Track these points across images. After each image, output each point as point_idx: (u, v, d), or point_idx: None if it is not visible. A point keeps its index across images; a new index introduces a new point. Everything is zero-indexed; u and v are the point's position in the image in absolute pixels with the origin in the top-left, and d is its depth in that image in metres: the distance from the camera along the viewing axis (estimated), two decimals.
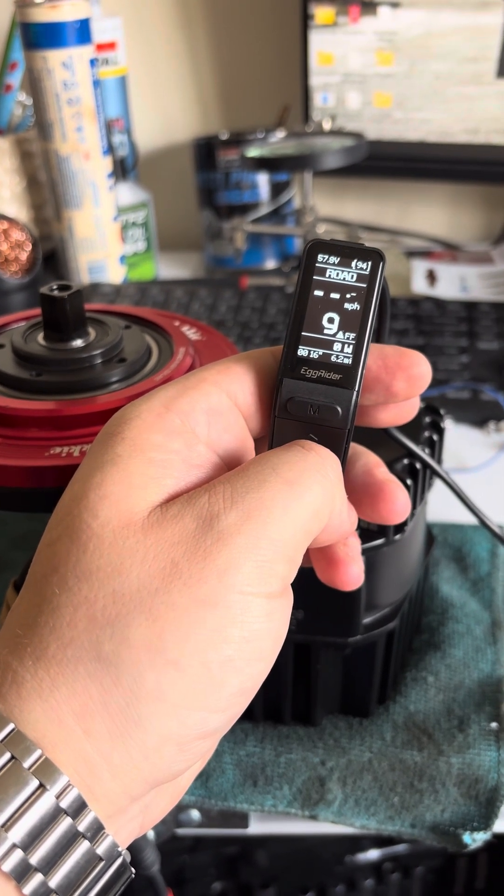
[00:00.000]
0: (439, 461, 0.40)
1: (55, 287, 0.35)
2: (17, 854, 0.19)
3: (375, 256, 0.25)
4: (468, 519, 0.54)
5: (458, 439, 0.63)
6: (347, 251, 0.25)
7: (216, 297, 0.78)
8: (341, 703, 0.42)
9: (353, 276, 0.25)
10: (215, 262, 0.97)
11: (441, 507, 0.53)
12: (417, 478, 0.35)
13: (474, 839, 0.37)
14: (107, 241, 0.85)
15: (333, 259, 0.26)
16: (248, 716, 0.42)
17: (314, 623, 0.37)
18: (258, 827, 0.41)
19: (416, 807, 0.38)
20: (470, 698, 0.42)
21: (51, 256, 0.87)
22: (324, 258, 0.26)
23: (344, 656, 0.39)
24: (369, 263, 0.25)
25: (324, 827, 0.40)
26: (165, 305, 0.78)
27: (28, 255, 0.79)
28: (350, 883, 0.64)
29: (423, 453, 0.34)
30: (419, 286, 0.84)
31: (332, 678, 0.40)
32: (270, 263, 0.96)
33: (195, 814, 0.42)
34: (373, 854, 0.64)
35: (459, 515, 0.54)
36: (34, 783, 0.20)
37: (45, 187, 0.86)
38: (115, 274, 0.87)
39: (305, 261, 0.26)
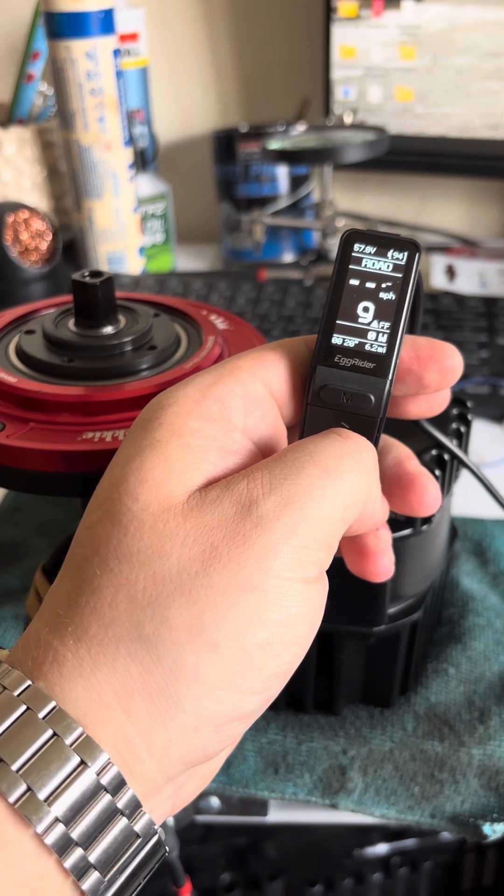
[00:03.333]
0: (466, 453, 0.40)
1: (87, 273, 0.35)
2: (60, 828, 0.19)
3: (412, 247, 0.26)
4: (489, 513, 0.54)
5: (477, 434, 0.63)
6: (384, 241, 0.26)
7: (235, 289, 0.78)
8: (363, 693, 0.42)
9: (389, 266, 0.26)
10: (233, 255, 0.97)
11: (461, 500, 0.53)
12: (445, 469, 0.35)
13: (494, 830, 0.37)
14: (126, 231, 0.85)
15: (370, 249, 0.26)
16: (271, 704, 0.42)
17: (339, 612, 0.37)
18: (276, 815, 0.42)
19: (437, 797, 0.38)
20: (491, 690, 0.42)
21: (70, 246, 0.88)
22: (360, 248, 0.26)
23: (367, 646, 0.40)
24: (405, 254, 0.26)
25: (341, 816, 0.40)
26: (184, 297, 0.78)
27: (48, 244, 0.79)
28: (358, 877, 0.64)
29: (453, 445, 0.34)
30: (438, 281, 0.84)
31: (355, 668, 0.40)
32: (288, 256, 0.96)
33: (215, 801, 0.42)
34: (381, 848, 0.64)
35: (480, 509, 0.54)
36: (76, 759, 0.20)
37: (66, 177, 0.86)
38: (133, 265, 0.87)
39: (342, 250, 0.26)
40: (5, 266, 0.76)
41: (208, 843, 0.63)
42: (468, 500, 0.53)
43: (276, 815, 0.42)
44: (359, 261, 0.26)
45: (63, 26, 0.74)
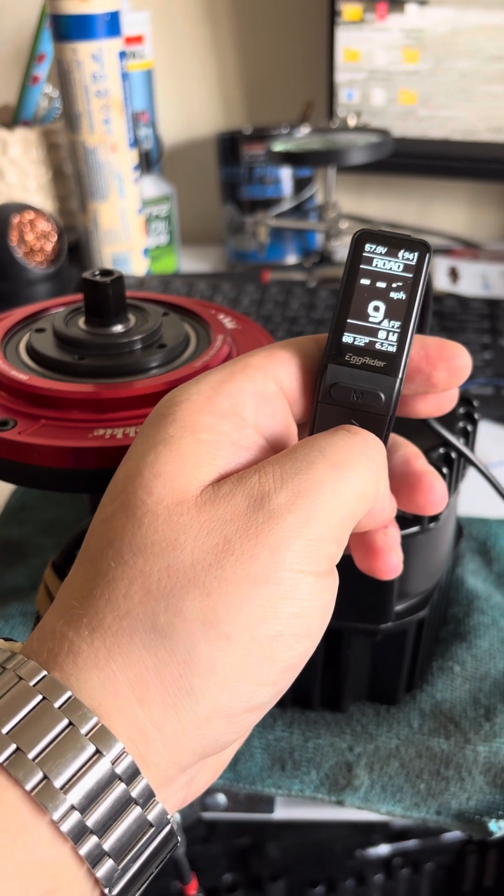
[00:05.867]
0: (472, 452, 0.40)
1: (97, 272, 0.35)
2: (75, 816, 0.20)
3: (422, 247, 0.26)
4: (493, 512, 0.54)
5: (481, 435, 0.63)
6: (395, 241, 0.26)
7: (238, 290, 0.79)
8: (369, 690, 0.42)
9: (399, 266, 0.26)
10: (236, 257, 0.98)
11: (466, 500, 0.53)
12: (452, 467, 0.36)
13: (500, 827, 0.37)
14: (131, 233, 0.85)
15: (381, 249, 0.26)
16: (277, 701, 0.42)
17: (346, 609, 0.37)
18: (282, 812, 0.42)
19: (442, 794, 0.38)
20: (496, 688, 0.42)
21: (75, 247, 0.88)
22: (371, 248, 0.26)
23: (374, 643, 0.40)
24: (416, 254, 0.26)
25: (346, 814, 0.40)
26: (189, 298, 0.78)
27: (53, 245, 0.79)
28: (360, 877, 0.64)
29: (461, 444, 0.34)
30: (441, 283, 0.84)
31: (362, 665, 0.41)
32: (291, 258, 0.97)
33: (221, 798, 0.43)
34: (383, 849, 0.64)
35: (484, 509, 0.54)
36: (91, 749, 0.20)
37: (71, 179, 0.86)
38: (138, 266, 0.87)
39: (353, 250, 0.26)
40: (11, 267, 0.76)
41: (211, 842, 0.63)
42: (472, 500, 0.53)
43: (282, 812, 0.42)
44: (370, 260, 0.26)
45: (69, 29, 0.75)
